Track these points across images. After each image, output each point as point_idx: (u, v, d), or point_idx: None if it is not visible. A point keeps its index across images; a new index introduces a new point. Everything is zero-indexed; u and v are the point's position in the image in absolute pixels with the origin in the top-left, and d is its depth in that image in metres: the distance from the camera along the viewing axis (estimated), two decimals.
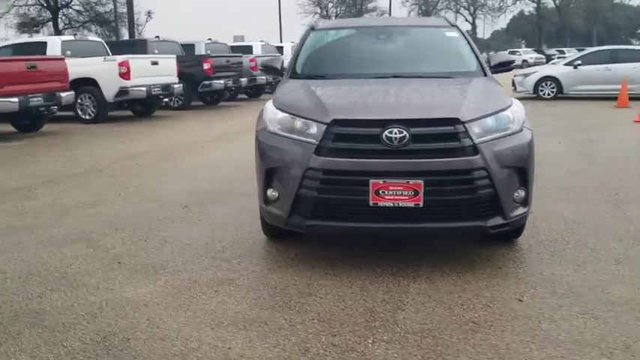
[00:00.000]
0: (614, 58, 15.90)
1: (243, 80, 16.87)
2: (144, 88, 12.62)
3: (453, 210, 3.49)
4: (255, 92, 19.80)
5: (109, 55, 13.39)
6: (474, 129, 3.45)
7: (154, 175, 6.90)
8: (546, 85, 16.34)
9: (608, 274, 3.62)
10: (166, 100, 14.91)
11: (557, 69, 16.86)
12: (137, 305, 3.26)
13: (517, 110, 3.77)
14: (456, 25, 5.09)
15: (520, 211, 3.63)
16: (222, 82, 15.57)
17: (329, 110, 3.58)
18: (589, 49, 18.05)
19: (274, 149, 3.68)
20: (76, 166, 7.63)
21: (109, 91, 12.41)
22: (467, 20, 72.01)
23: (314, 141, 3.51)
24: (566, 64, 16.67)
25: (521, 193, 3.61)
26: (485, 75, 4.49)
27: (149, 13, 40.26)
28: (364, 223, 3.52)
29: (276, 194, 3.69)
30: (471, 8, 65.49)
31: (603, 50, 17.01)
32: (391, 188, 3.37)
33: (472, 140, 3.41)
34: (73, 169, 7.40)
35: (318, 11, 58.85)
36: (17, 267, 3.89)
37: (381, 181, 3.37)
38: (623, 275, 3.60)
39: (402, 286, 3.48)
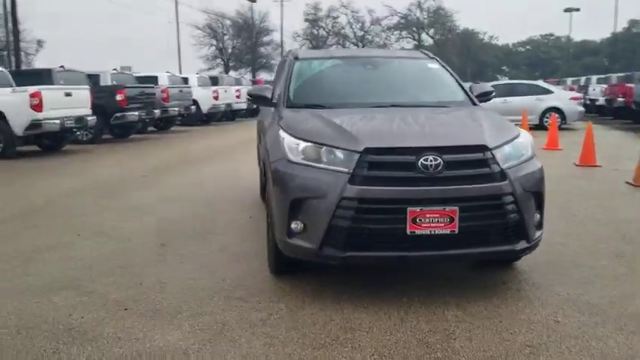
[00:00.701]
0: (510, 91, 17.22)
1: (157, 112, 16.24)
2: (57, 121, 11.74)
3: (485, 235, 3.55)
4: (165, 124, 19.10)
5: (12, 85, 12.35)
6: (498, 155, 3.56)
7: (104, 214, 6.38)
8: None
9: (615, 290, 3.84)
10: (78, 133, 13.99)
11: None
12: (176, 354, 2.98)
13: (527, 137, 3.94)
14: (435, 58, 5.26)
15: (537, 234, 3.78)
16: (136, 113, 14.89)
17: (359, 139, 3.53)
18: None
19: (300, 179, 3.56)
20: (8, 206, 6.87)
21: (19, 125, 11.39)
22: None
23: (346, 170, 3.44)
24: None
25: (538, 217, 3.77)
26: (475, 104, 4.66)
27: (39, 42, 37.54)
28: (400, 252, 3.49)
29: (302, 226, 3.55)
30: (359, 44, 68.26)
31: (501, 84, 18.39)
32: (427, 216, 3.37)
33: (499, 166, 3.52)
34: (6, 210, 6.65)
35: (214, 43, 58.41)
36: (9, 321, 3.41)
37: (418, 209, 3.36)
38: (630, 291, 3.84)
39: (438, 315, 3.47)
